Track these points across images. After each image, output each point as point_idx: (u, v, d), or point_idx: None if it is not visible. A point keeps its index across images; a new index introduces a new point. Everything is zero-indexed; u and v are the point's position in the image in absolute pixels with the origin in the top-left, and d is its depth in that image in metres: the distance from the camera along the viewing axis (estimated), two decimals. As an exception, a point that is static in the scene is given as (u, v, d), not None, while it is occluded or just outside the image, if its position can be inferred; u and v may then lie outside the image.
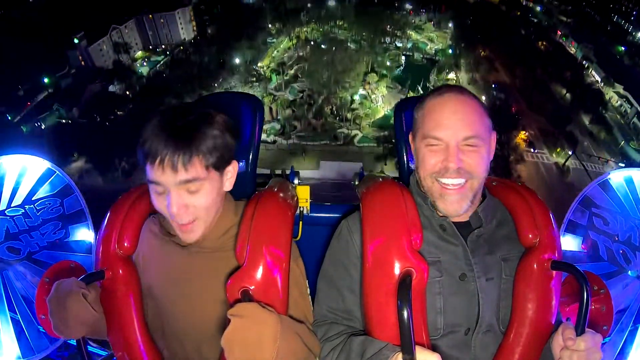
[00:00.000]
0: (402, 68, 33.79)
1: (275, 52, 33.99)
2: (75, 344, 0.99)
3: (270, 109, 29.02)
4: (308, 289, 1.11)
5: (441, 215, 1.09)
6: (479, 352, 1.04)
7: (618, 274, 1.47)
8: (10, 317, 1.49)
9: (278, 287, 0.96)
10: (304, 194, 1.42)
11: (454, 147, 1.01)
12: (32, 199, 1.56)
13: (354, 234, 1.10)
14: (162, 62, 34.46)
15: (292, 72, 32.24)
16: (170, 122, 0.94)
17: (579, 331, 0.91)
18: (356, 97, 29.92)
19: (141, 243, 1.10)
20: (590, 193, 1.55)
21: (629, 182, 1.51)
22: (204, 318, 1.04)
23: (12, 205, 1.55)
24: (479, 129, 1.02)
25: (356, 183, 1.30)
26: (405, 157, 1.34)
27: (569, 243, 1.55)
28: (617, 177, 1.53)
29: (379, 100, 30.14)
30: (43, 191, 1.57)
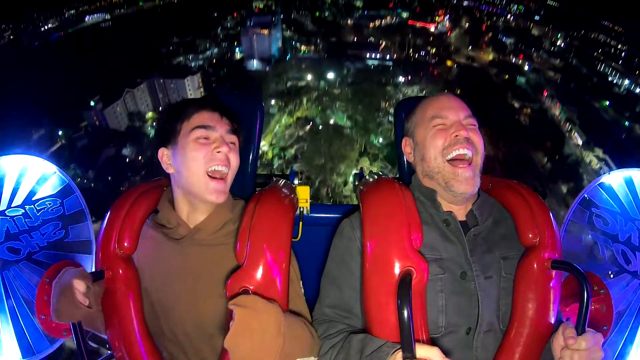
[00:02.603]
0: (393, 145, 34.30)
1: (277, 126, 34.88)
2: (75, 344, 0.99)
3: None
4: (302, 290, 1.11)
5: (446, 210, 1.10)
6: (480, 352, 1.04)
7: (618, 274, 1.47)
8: (10, 317, 1.49)
9: (278, 287, 0.96)
10: (304, 194, 1.42)
11: (459, 122, 1.11)
12: (32, 199, 1.56)
13: (356, 230, 1.11)
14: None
15: (292, 151, 33.26)
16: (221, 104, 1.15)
17: (579, 331, 0.91)
18: (350, 180, 30.92)
19: (139, 246, 1.10)
20: (590, 193, 1.55)
21: (629, 182, 1.51)
22: (201, 315, 1.04)
23: (12, 205, 1.54)
24: (474, 117, 1.14)
25: (356, 183, 1.30)
26: (405, 157, 1.34)
27: (569, 243, 1.55)
28: (617, 177, 1.52)
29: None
30: (43, 191, 1.57)
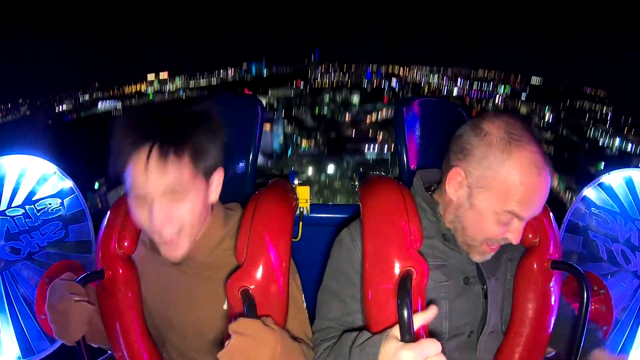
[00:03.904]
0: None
1: None
2: (75, 344, 0.99)
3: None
4: (305, 304, 1.08)
5: (447, 226, 1.06)
6: (483, 354, 1.04)
7: (618, 274, 1.47)
8: (10, 317, 1.49)
9: (278, 287, 0.96)
10: (304, 194, 1.42)
11: (523, 224, 0.95)
12: (33, 199, 1.56)
13: (356, 240, 1.07)
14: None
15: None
16: (160, 112, 0.84)
17: (580, 331, 0.91)
18: None
19: (137, 257, 1.08)
20: (590, 193, 1.55)
21: (629, 182, 1.51)
22: (201, 326, 1.02)
23: (12, 205, 1.55)
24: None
25: (357, 183, 1.30)
26: (405, 157, 1.34)
27: (569, 243, 1.55)
28: (617, 177, 1.53)
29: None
30: (43, 191, 1.58)
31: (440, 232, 1.07)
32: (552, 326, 1.04)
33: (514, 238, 0.95)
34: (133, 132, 0.81)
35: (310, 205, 1.45)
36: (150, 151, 0.80)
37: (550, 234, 1.06)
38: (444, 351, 0.96)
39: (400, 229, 0.99)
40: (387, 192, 1.07)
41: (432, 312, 0.85)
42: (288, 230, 1.03)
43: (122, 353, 1.05)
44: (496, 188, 0.91)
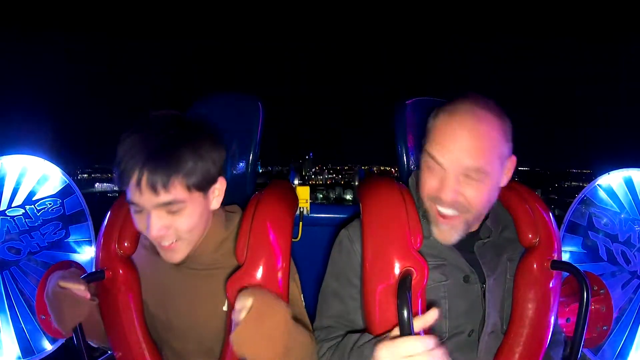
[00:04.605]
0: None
1: None
2: (75, 344, 0.99)
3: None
4: (304, 304, 1.08)
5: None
6: (483, 353, 1.04)
7: (618, 274, 1.47)
8: (11, 317, 1.49)
9: (278, 287, 0.96)
10: (304, 194, 1.42)
11: (452, 178, 0.92)
12: (33, 199, 1.56)
13: (355, 243, 1.07)
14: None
15: None
16: (148, 139, 0.86)
17: (579, 331, 0.91)
18: None
19: (138, 258, 1.08)
20: (590, 193, 1.55)
21: (629, 182, 1.51)
22: (201, 329, 1.03)
23: (12, 205, 1.55)
24: (487, 160, 0.91)
25: (356, 183, 1.30)
26: (405, 157, 1.34)
27: (569, 243, 1.55)
28: (617, 177, 1.53)
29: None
30: (43, 191, 1.58)
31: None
32: (552, 326, 1.03)
33: (443, 192, 0.93)
34: (125, 161, 0.85)
35: (310, 205, 1.45)
36: (140, 177, 0.84)
37: (550, 234, 1.06)
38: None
39: (400, 229, 0.99)
40: (387, 192, 1.07)
41: (432, 315, 0.85)
42: (288, 230, 1.03)
43: (122, 353, 1.05)
44: (427, 135, 0.97)
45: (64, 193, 1.59)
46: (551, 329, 1.03)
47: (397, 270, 0.96)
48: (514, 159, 0.99)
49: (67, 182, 1.60)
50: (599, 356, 1.46)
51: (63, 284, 0.93)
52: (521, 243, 1.07)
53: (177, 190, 0.87)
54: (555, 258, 1.04)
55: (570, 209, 1.58)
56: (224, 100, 1.42)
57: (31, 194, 1.56)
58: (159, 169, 0.84)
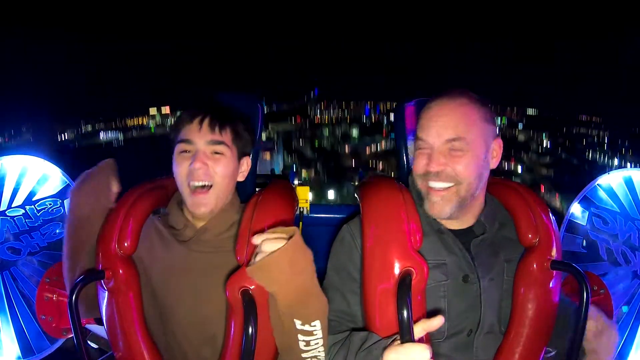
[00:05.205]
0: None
1: None
2: (75, 344, 0.99)
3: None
4: None
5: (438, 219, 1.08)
6: (480, 353, 1.04)
7: (618, 274, 1.47)
8: (11, 317, 1.49)
9: None
10: (304, 194, 1.42)
11: (436, 151, 1.01)
12: (33, 199, 1.56)
13: (356, 238, 1.09)
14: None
15: None
16: (213, 105, 1.13)
17: (579, 331, 0.91)
18: None
19: (143, 241, 1.10)
20: (590, 193, 1.55)
21: (629, 182, 1.51)
22: (202, 316, 1.04)
23: (12, 205, 1.55)
24: (466, 130, 1.00)
25: (356, 183, 1.30)
26: (405, 157, 1.34)
27: (569, 243, 1.55)
28: (617, 177, 1.53)
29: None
30: (43, 192, 1.58)
31: (436, 227, 1.08)
32: (552, 326, 1.03)
33: (431, 165, 1.01)
34: (193, 108, 1.09)
35: (310, 205, 1.45)
36: (202, 119, 1.06)
37: (550, 234, 1.06)
38: (440, 352, 0.96)
39: (400, 229, 0.99)
40: (387, 192, 1.07)
41: (438, 321, 0.85)
42: None
43: (122, 353, 1.05)
44: (417, 127, 1.08)
45: (64, 193, 1.59)
46: (551, 329, 1.03)
47: (397, 270, 0.96)
48: (500, 141, 1.09)
49: (67, 182, 1.60)
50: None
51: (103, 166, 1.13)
52: (521, 243, 1.07)
53: (227, 137, 1.08)
54: (555, 258, 1.04)
55: (570, 209, 1.58)
56: (224, 100, 1.42)
57: (31, 194, 1.57)
58: (220, 116, 1.08)
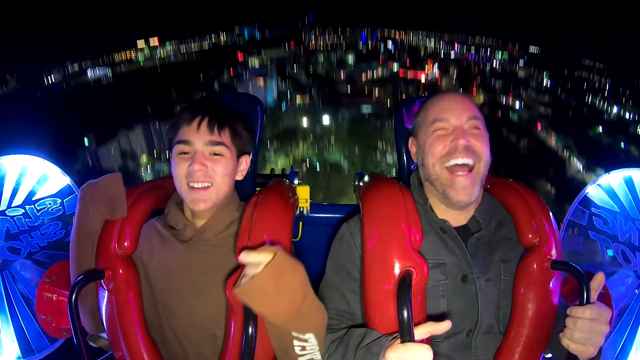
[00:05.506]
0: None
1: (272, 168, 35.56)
2: (75, 344, 0.99)
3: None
4: None
5: (440, 218, 1.09)
6: (479, 353, 1.04)
7: (618, 274, 1.47)
8: (11, 317, 1.49)
9: None
10: (304, 194, 1.42)
11: (460, 127, 1.06)
12: (33, 199, 1.56)
13: (355, 236, 1.09)
14: (165, 171, 34.92)
15: None
16: (211, 103, 1.13)
17: None
18: None
19: (142, 240, 1.10)
20: (590, 193, 1.55)
21: (629, 182, 1.50)
22: (203, 314, 1.04)
23: (12, 205, 1.54)
24: (479, 115, 1.09)
25: (356, 183, 1.30)
26: (405, 157, 1.34)
27: (569, 243, 1.54)
28: (617, 177, 1.52)
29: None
30: (43, 191, 1.57)
31: (437, 226, 1.09)
32: (552, 326, 1.03)
33: (458, 140, 1.04)
34: (193, 108, 1.09)
35: (310, 205, 1.45)
36: (201, 120, 1.06)
37: (550, 234, 1.06)
38: (440, 352, 0.96)
39: (400, 230, 0.99)
40: (388, 192, 1.07)
41: (444, 326, 0.85)
42: (288, 230, 1.04)
43: (122, 353, 1.05)
44: (422, 120, 1.13)
45: (63, 193, 1.58)
46: (551, 330, 1.03)
47: (397, 270, 0.96)
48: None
49: (67, 181, 1.60)
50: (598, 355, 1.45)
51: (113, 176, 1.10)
52: (521, 243, 1.07)
53: (227, 137, 1.09)
54: (555, 258, 1.04)
55: (570, 208, 1.58)
56: (225, 99, 1.42)
57: (31, 193, 1.56)
58: (218, 116, 1.08)
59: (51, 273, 1.30)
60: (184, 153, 1.06)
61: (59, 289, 1.27)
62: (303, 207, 1.43)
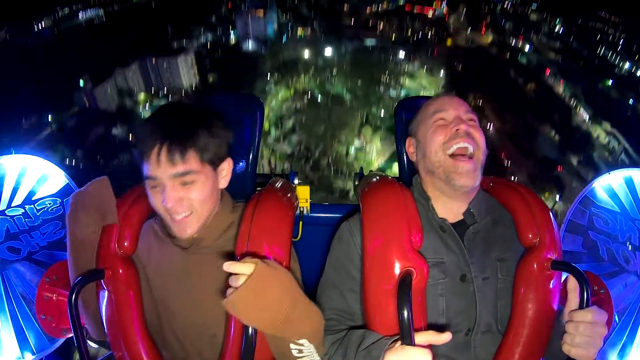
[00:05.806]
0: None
1: (273, 101, 34.42)
2: (75, 344, 0.99)
3: (270, 161, 29.90)
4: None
5: (440, 217, 1.10)
6: (478, 352, 1.04)
7: (618, 274, 1.47)
8: (10, 317, 1.49)
9: None
10: (304, 194, 1.42)
11: (459, 117, 1.11)
12: (32, 199, 1.56)
13: (355, 235, 1.09)
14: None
15: (289, 124, 32.62)
16: (165, 120, 1.00)
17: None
18: (352, 151, 30.50)
19: (141, 241, 1.10)
20: (590, 193, 1.55)
21: (629, 182, 1.51)
22: (203, 315, 1.04)
23: (12, 205, 1.55)
24: (474, 114, 1.15)
25: (356, 183, 1.30)
26: (405, 157, 1.34)
27: (569, 243, 1.54)
28: (617, 177, 1.52)
29: (373, 153, 30.78)
30: (43, 191, 1.57)
31: (437, 225, 1.09)
32: (552, 327, 1.03)
33: (458, 125, 1.09)
34: (148, 135, 0.98)
35: (311, 205, 1.45)
36: (159, 150, 0.96)
37: (550, 233, 1.06)
38: (439, 351, 0.96)
39: (400, 230, 0.99)
40: (388, 192, 1.07)
41: (445, 337, 0.85)
42: (288, 230, 1.03)
43: (122, 353, 1.05)
44: (422, 116, 1.18)
45: (63, 192, 1.59)
46: (551, 329, 1.03)
47: (397, 270, 0.96)
48: None
49: (67, 181, 1.60)
50: (599, 356, 1.45)
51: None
52: (521, 243, 1.07)
53: (192, 162, 0.98)
54: (555, 258, 1.04)
55: (570, 208, 1.58)
56: (224, 99, 1.42)
57: (31, 193, 1.56)
58: (176, 142, 0.96)
59: (51, 273, 1.30)
60: (155, 187, 1.00)
61: (59, 289, 1.27)
62: (303, 207, 1.43)
